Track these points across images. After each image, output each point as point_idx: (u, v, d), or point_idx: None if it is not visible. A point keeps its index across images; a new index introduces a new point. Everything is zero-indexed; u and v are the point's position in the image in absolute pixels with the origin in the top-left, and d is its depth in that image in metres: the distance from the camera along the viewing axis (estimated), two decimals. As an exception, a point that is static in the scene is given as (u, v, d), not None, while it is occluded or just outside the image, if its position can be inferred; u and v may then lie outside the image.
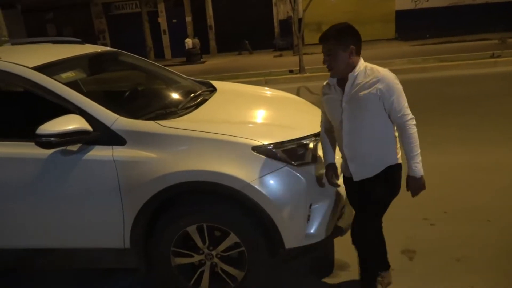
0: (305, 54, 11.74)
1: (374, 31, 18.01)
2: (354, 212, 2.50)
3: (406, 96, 2.21)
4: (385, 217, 2.43)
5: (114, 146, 2.43)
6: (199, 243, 2.51)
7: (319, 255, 2.98)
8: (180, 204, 2.49)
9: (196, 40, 19.03)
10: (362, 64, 2.23)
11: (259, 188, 2.30)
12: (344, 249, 2.86)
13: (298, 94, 8.80)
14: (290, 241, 2.41)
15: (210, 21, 21.05)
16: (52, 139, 2.25)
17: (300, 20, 11.98)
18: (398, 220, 3.08)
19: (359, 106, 2.20)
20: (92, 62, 3.23)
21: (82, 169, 2.42)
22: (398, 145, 2.34)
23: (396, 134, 2.31)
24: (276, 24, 20.65)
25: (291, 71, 11.72)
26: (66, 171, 2.43)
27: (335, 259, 2.99)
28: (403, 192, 2.35)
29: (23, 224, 2.55)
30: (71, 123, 2.32)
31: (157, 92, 3.34)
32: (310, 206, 2.44)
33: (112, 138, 2.43)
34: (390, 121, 2.25)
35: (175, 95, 3.29)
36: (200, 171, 2.33)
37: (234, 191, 2.33)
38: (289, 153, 2.43)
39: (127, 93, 3.18)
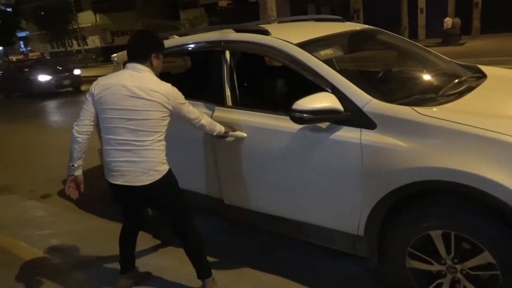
0: None
1: None
2: None
3: None
4: None
5: (363, 129, 2.32)
6: (443, 252, 2.18)
7: None
8: (427, 203, 2.20)
9: (457, 20, 17.15)
10: None
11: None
12: None
13: None
14: None
15: (477, -3, 18.56)
16: (305, 115, 2.29)
17: None
18: None
19: None
20: (350, 40, 3.18)
21: (327, 148, 2.41)
22: None
23: None
24: None
25: None
26: (312, 148, 2.47)
27: None
28: None
29: (269, 191, 2.77)
30: (324, 101, 2.31)
31: (415, 75, 3.04)
32: None
33: (362, 120, 2.32)
34: None
35: (435, 80, 2.93)
36: (457, 171, 1.98)
37: (497, 201, 1.90)
38: None
39: (382, 74, 3.01)
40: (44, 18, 22.93)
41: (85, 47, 34.70)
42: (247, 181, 2.83)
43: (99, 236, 3.70)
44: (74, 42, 33.25)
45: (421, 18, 20.14)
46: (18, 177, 5.89)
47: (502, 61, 10.20)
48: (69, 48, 32.41)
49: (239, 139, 2.75)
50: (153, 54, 2.46)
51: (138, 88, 2.34)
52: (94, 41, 35.75)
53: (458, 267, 2.16)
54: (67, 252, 3.49)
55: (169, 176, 2.50)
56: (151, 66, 2.46)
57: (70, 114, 10.99)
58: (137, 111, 2.34)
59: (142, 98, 2.33)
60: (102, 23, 34.94)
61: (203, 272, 2.68)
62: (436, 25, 18.10)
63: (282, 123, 2.57)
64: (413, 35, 19.79)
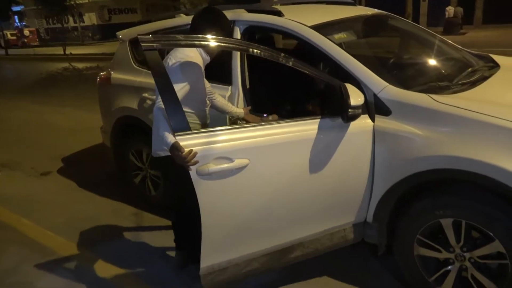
0: None
1: None
2: None
3: None
4: None
5: (377, 115, 2.30)
6: (452, 240, 2.19)
7: None
8: (440, 192, 2.20)
9: (459, 8, 17.01)
10: None
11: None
12: None
13: None
14: None
15: (481, -14, 18.39)
16: (358, 110, 2.16)
17: None
18: None
19: None
20: (363, 24, 3.13)
21: (342, 138, 2.28)
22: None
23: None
24: None
25: None
26: (329, 139, 2.28)
27: None
28: None
29: (275, 219, 2.31)
30: (359, 94, 2.20)
31: (429, 62, 3.01)
32: None
33: (376, 106, 2.30)
34: None
35: (449, 68, 2.90)
36: (472, 160, 1.97)
37: (511, 191, 1.90)
38: None
39: (396, 60, 2.98)
40: (41, -7, 22.54)
41: (82, 24, 34.10)
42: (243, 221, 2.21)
43: (107, 216, 3.69)
44: (70, 19, 32.67)
45: (423, 6, 19.94)
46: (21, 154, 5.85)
47: (504, 52, 10.13)
48: (65, 25, 31.86)
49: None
50: (209, 32, 2.26)
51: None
52: (90, 18, 35.14)
53: (467, 255, 2.17)
54: (73, 231, 3.47)
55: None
56: None
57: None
58: None
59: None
60: (100, 0, 34.33)
61: None
62: (438, 13, 17.94)
63: (290, 129, 2.21)
64: (415, 22, 19.63)
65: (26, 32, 38.47)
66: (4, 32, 33.54)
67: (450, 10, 16.95)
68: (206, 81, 2.53)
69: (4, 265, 3.05)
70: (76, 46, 27.06)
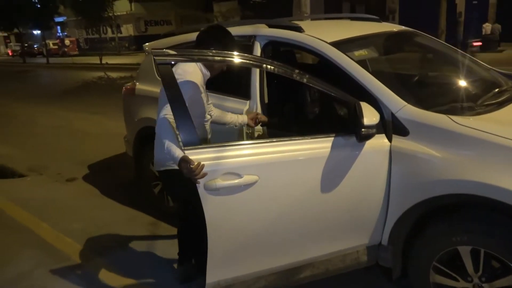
0: None
1: None
2: None
3: None
4: None
5: (394, 135, 2.23)
6: (470, 268, 2.08)
7: None
8: (457, 217, 2.10)
9: (497, 25, 16.57)
10: None
11: None
12: None
13: None
14: None
15: (521, 3, 17.80)
16: (372, 130, 2.09)
17: None
18: None
19: None
20: (386, 41, 3.07)
21: (356, 157, 2.20)
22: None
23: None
24: None
25: None
26: (342, 158, 2.21)
27: None
28: None
29: (287, 237, 2.25)
30: (375, 113, 2.14)
31: (452, 82, 2.91)
32: None
33: (394, 125, 2.23)
34: None
35: (474, 88, 2.79)
36: (492, 186, 1.87)
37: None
38: None
39: (417, 79, 2.89)
40: (81, 4, 23.46)
41: (119, 35, 35.29)
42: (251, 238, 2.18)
43: (122, 224, 3.73)
44: (109, 30, 33.88)
45: (459, 22, 19.50)
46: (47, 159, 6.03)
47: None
48: (103, 35, 33.03)
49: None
50: (211, 48, 2.33)
51: None
52: (127, 30, 36.35)
53: (486, 286, 2.05)
54: (89, 237, 3.52)
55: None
56: None
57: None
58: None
59: None
60: (137, 12, 35.44)
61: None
62: (474, 29, 17.49)
63: (302, 146, 2.16)
64: (450, 39, 19.18)
65: (67, 42, 40.15)
66: (47, 41, 35.07)
67: (487, 27, 16.54)
68: (207, 96, 2.51)
69: (19, 268, 3.11)
70: (113, 56, 27.95)
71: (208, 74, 2.46)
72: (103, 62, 22.07)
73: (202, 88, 2.42)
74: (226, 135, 2.67)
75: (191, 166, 1.86)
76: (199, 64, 2.41)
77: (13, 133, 7.95)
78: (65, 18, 39.77)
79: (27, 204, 4.27)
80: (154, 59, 1.96)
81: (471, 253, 2.04)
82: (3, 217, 4.00)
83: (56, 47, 38.83)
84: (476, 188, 1.92)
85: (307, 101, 3.28)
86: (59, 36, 45.02)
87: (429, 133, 2.12)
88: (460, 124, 2.06)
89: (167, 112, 2.10)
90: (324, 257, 2.35)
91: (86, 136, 7.13)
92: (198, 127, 2.44)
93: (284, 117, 3.03)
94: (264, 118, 2.74)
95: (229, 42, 2.41)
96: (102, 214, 3.94)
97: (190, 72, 2.35)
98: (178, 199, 2.68)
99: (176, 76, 2.15)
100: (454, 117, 2.11)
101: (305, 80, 2.20)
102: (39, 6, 29.24)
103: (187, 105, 2.00)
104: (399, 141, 2.21)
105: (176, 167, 1.96)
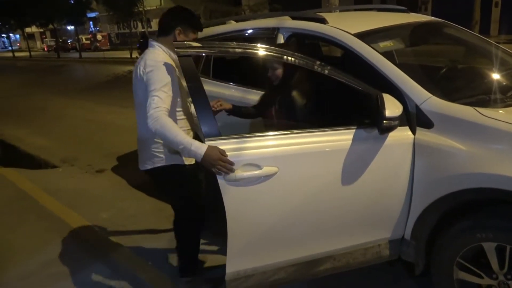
0: None
1: None
2: None
3: None
4: None
5: (418, 128, 2.18)
6: (495, 266, 2.02)
7: None
8: (484, 213, 2.05)
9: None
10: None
11: None
12: None
13: None
14: None
15: None
16: (395, 122, 2.06)
17: None
18: None
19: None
20: (413, 32, 2.99)
21: (379, 150, 2.18)
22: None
23: None
24: None
25: None
26: (363, 151, 2.19)
27: None
28: None
29: (308, 229, 2.26)
30: (397, 104, 2.11)
31: (482, 73, 2.81)
32: None
33: (418, 118, 2.18)
34: None
35: (504, 79, 2.70)
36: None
37: None
38: None
39: (444, 70, 2.81)
40: (113, 0, 24.00)
41: (149, 29, 35.80)
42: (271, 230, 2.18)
43: (149, 215, 3.80)
44: (139, 24, 34.45)
45: (495, 12, 18.75)
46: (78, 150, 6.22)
47: None
48: (134, 30, 33.65)
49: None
50: (177, 28, 2.31)
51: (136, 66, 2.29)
52: (157, 24, 36.91)
53: (511, 283, 2.00)
54: (116, 226, 3.62)
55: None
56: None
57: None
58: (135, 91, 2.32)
59: (136, 77, 2.28)
60: (166, 7, 35.71)
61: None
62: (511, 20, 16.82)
63: (323, 138, 2.15)
64: (485, 30, 18.45)
65: (99, 36, 41.10)
66: (80, 36, 36.02)
67: (525, 17, 15.81)
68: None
69: (48, 255, 3.24)
70: (143, 50, 28.40)
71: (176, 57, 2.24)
72: (133, 56, 22.50)
73: (179, 72, 2.32)
74: (239, 126, 2.68)
75: (225, 156, 1.88)
76: (163, 47, 2.33)
77: (48, 125, 8.25)
78: (97, 13, 40.65)
79: (58, 194, 4.43)
80: (176, 51, 1.99)
81: (496, 250, 1.99)
82: (35, 206, 4.17)
83: (88, 42, 39.84)
84: (503, 183, 1.86)
85: (329, 93, 3.24)
86: (92, 31, 46.12)
87: (455, 126, 2.06)
88: (487, 117, 1.99)
89: (159, 104, 2.03)
90: (345, 250, 2.33)
91: (116, 129, 7.30)
92: (188, 116, 2.43)
93: (305, 109, 3.00)
94: (228, 105, 2.65)
95: (197, 20, 2.40)
96: (129, 205, 4.04)
97: (161, 60, 2.24)
98: (175, 197, 2.58)
99: (149, 68, 2.14)
100: (481, 109, 2.05)
101: (326, 72, 2.18)
102: (72, 2, 30.08)
103: (171, 87, 2.03)
104: (423, 134, 2.16)
105: (172, 163, 1.98)
